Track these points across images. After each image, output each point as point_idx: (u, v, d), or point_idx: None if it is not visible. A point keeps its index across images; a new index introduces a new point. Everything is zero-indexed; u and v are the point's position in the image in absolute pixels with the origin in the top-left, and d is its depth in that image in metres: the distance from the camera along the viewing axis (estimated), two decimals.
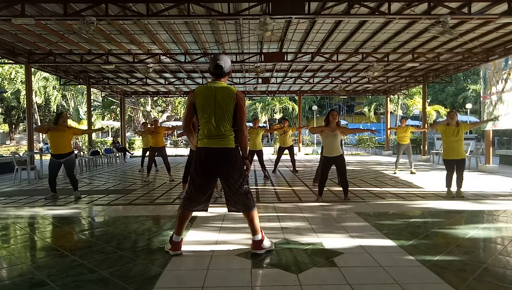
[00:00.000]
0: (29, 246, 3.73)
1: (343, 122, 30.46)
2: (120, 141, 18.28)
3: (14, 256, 3.35)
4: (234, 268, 2.92)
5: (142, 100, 32.29)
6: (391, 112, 22.75)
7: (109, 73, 14.08)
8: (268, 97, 32.04)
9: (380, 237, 3.72)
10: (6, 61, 14.14)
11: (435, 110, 28.44)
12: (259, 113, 35.56)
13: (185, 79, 15.61)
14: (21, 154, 11.95)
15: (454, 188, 6.22)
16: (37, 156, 11.13)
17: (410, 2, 7.08)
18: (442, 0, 6.95)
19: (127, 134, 25.92)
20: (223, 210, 4.52)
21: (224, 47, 10.65)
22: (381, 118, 36.83)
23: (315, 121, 32.11)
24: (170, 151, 15.38)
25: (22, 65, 15.26)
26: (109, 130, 34.85)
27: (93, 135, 24.99)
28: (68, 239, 3.97)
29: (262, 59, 11.10)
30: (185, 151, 19.82)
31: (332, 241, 3.59)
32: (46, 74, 25.96)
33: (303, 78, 15.87)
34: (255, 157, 8.78)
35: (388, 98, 19.92)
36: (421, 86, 17.79)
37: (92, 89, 17.37)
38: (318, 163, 7.88)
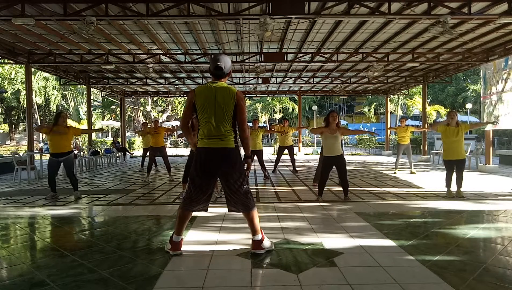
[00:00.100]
0: (29, 246, 3.73)
1: (343, 122, 30.58)
2: (120, 141, 18.28)
3: (14, 256, 3.35)
4: (234, 268, 2.92)
5: (142, 100, 32.30)
6: (391, 112, 22.75)
7: (109, 73, 14.08)
8: (268, 97, 32.06)
9: (380, 237, 3.72)
10: (6, 61, 14.14)
11: (435, 110, 28.45)
12: (259, 113, 35.58)
13: (185, 79, 15.61)
14: (21, 154, 11.94)
15: (454, 188, 6.22)
16: (37, 156, 11.13)
17: (410, 2, 7.08)
18: (442, 0, 6.95)
19: (127, 134, 25.92)
20: (223, 210, 4.52)
21: (224, 47, 10.65)
22: (381, 118, 36.84)
23: (315, 121, 32.12)
24: (170, 151, 15.37)
25: (22, 65, 15.26)
26: (109, 130, 34.86)
27: (93, 135, 24.99)
28: (68, 239, 3.97)
29: (262, 59, 11.10)
30: (185, 151, 19.83)
31: (332, 241, 3.59)
32: (46, 74, 25.96)
33: (303, 78, 15.87)
34: (255, 157, 8.78)
35: (388, 98, 19.92)
36: (421, 86, 17.80)
37: (92, 89, 17.38)
38: (318, 163, 7.88)
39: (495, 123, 10.10)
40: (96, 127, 23.12)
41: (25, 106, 16.99)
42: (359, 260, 3.09)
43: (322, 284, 2.59)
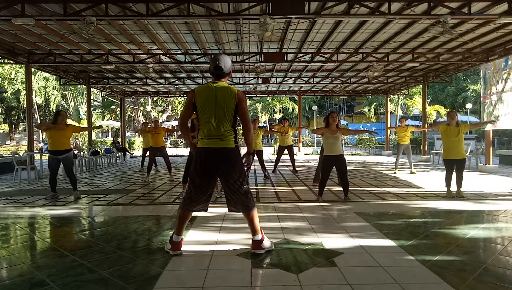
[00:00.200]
0: (29, 246, 3.73)
1: (343, 122, 30.61)
2: (120, 141, 18.28)
3: (14, 256, 3.35)
4: (234, 268, 2.92)
5: (142, 100, 32.29)
6: (391, 112, 22.75)
7: (109, 73, 14.08)
8: (268, 97, 32.06)
9: (380, 237, 3.72)
10: (6, 61, 14.14)
11: (435, 110, 28.46)
12: (259, 113, 35.59)
13: (185, 79, 15.62)
14: (21, 154, 11.95)
15: (454, 188, 6.22)
16: (37, 156, 11.13)
17: (410, 2, 7.08)
18: (442, 0, 6.95)
19: (127, 134, 25.92)
20: (223, 210, 4.52)
21: (224, 47, 10.65)
22: (381, 118, 36.85)
23: (315, 121, 32.13)
24: (170, 151, 15.36)
25: (22, 65, 15.26)
26: (109, 130, 34.86)
27: (93, 135, 24.99)
28: (68, 239, 3.97)
29: (262, 59, 11.10)
30: (185, 151, 19.82)
31: (332, 241, 3.59)
32: (46, 74, 25.98)
33: (303, 78, 15.87)
34: (255, 157, 8.78)
35: (388, 98, 19.91)
36: (421, 86, 17.80)
37: (92, 89, 17.38)
38: (318, 163, 7.88)
39: (495, 123, 10.11)
40: (96, 125, 23.11)
41: (25, 106, 16.98)
42: (359, 260, 3.09)
43: (322, 284, 2.59)
